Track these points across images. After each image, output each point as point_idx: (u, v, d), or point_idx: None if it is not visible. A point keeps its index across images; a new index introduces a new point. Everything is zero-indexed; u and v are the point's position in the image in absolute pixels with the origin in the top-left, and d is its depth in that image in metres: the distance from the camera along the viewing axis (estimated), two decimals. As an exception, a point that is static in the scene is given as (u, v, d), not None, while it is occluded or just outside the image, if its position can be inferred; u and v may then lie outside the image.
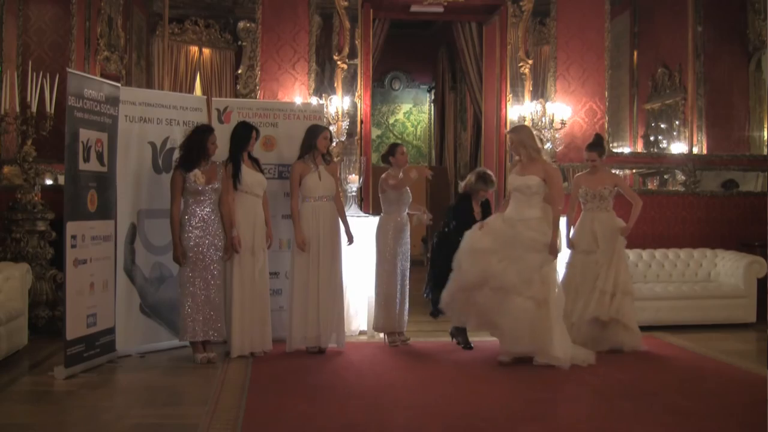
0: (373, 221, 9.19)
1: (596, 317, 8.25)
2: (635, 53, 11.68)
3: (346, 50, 10.28)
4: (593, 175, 8.63)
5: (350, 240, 8.45)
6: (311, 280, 8.12)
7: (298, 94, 10.40)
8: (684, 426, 5.90)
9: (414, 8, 10.65)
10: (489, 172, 8.73)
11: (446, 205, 11.66)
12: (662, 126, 11.83)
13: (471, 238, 7.89)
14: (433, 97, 17.10)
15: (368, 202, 10.17)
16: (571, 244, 8.62)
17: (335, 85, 10.30)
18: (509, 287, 7.59)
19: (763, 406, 5.73)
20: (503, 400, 6.58)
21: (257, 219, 8.08)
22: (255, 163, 8.18)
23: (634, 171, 11.36)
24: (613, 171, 11.16)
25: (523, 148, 7.83)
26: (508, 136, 9.13)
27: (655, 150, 11.92)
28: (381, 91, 16.90)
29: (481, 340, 8.32)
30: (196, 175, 7.69)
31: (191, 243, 7.71)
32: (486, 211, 8.56)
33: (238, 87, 10.68)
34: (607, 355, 8.04)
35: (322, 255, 8.16)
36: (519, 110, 10.62)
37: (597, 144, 8.72)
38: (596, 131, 10.69)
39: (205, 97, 9.35)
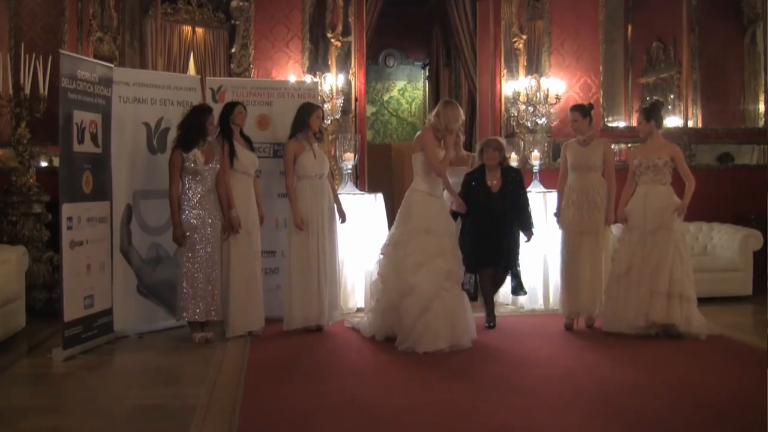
0: (369, 198, 9.21)
1: (653, 321, 7.83)
2: (630, 27, 11.63)
3: (340, 28, 10.24)
4: (648, 144, 8.13)
5: (343, 218, 8.46)
6: (312, 259, 8.10)
7: (291, 72, 10.36)
8: (682, 397, 5.95)
9: (407, -16, 10.61)
10: (493, 137, 8.48)
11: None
12: (657, 100, 11.80)
13: (403, 247, 7.61)
14: (427, 74, 17.02)
15: (363, 180, 10.16)
16: (623, 218, 8.13)
17: (329, 63, 10.27)
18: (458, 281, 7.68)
19: (762, 378, 5.76)
20: (502, 376, 6.60)
21: (251, 198, 8.10)
22: (247, 142, 8.18)
23: (629, 145, 11.33)
24: (615, 144, 11.21)
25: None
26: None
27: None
28: (375, 68, 16.82)
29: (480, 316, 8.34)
30: (196, 155, 7.66)
31: (190, 223, 7.70)
32: (511, 178, 8.25)
33: (232, 66, 10.62)
34: (604, 331, 8.11)
35: (321, 233, 8.16)
36: (514, 86, 10.60)
37: (648, 109, 8.29)
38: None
39: (199, 76, 9.35)
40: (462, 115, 7.74)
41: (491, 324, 8.33)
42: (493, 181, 8.20)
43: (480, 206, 8.13)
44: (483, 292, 8.46)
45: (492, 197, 8.17)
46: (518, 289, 8.51)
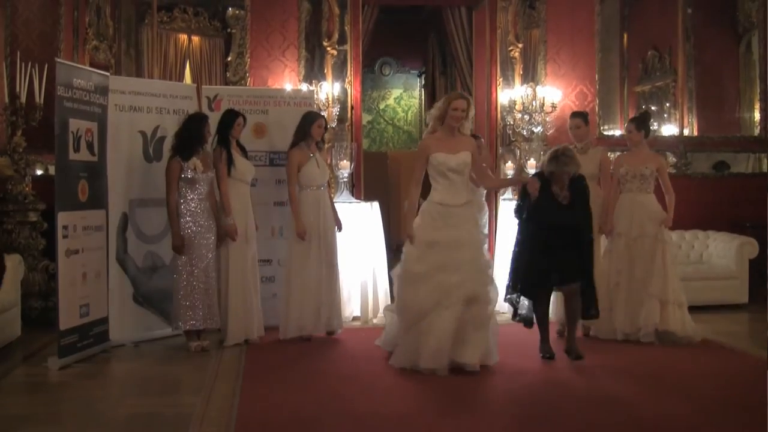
0: (365, 207, 9.21)
1: (648, 326, 7.88)
2: (625, 36, 11.66)
3: (336, 36, 10.24)
4: (635, 153, 8.28)
5: (339, 227, 8.47)
6: (312, 269, 8.10)
7: (288, 80, 10.37)
8: (684, 406, 5.95)
9: (403, -7, 10.62)
10: (565, 150, 7.26)
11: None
12: (653, 108, 11.80)
13: (405, 259, 7.15)
14: (423, 82, 17.05)
15: (359, 188, 10.16)
16: (610, 228, 8.12)
17: (325, 71, 10.26)
18: (473, 298, 6.90)
19: (760, 385, 5.76)
20: (499, 384, 6.60)
21: (249, 206, 8.09)
22: (242, 150, 8.17)
23: (625, 153, 11.35)
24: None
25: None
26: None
27: (646, 132, 11.93)
28: (371, 76, 16.84)
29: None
30: (195, 164, 7.66)
31: (187, 231, 7.68)
32: (580, 187, 7.26)
33: (228, 74, 10.63)
34: (600, 338, 8.11)
35: (323, 243, 8.17)
36: (509, 94, 10.60)
37: (638, 119, 8.47)
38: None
39: (195, 85, 9.34)
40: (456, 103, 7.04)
41: (547, 355, 7.39)
42: (563, 192, 7.22)
43: (548, 220, 7.18)
44: (538, 318, 7.46)
45: (562, 209, 7.20)
46: (591, 309, 7.37)
